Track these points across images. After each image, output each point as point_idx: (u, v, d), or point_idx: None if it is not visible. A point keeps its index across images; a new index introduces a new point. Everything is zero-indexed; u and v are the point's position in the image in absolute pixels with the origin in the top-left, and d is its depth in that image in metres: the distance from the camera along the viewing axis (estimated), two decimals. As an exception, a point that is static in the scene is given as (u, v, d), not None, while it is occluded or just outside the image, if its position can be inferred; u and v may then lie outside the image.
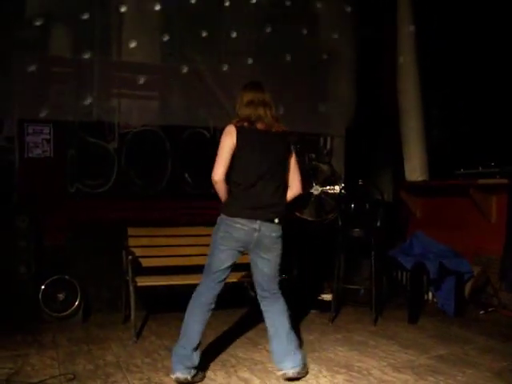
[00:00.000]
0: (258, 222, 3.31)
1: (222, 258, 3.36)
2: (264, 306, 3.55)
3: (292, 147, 3.51)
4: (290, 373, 3.42)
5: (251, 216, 3.30)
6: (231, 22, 5.59)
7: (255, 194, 3.31)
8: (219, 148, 3.32)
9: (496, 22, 5.34)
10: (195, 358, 3.35)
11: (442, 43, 5.85)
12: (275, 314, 3.50)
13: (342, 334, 4.54)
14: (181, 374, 3.30)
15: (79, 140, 5.12)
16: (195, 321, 3.37)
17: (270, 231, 3.36)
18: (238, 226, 3.30)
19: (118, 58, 5.34)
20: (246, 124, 3.32)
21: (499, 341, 4.27)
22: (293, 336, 3.51)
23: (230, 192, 3.38)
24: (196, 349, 3.36)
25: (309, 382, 3.44)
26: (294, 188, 3.53)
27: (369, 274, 4.93)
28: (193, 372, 3.33)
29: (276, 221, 3.36)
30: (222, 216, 3.37)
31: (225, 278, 3.43)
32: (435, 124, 6.20)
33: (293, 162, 3.51)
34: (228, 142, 3.30)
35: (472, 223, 5.42)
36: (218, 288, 3.41)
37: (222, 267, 3.38)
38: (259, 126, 3.34)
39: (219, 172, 3.30)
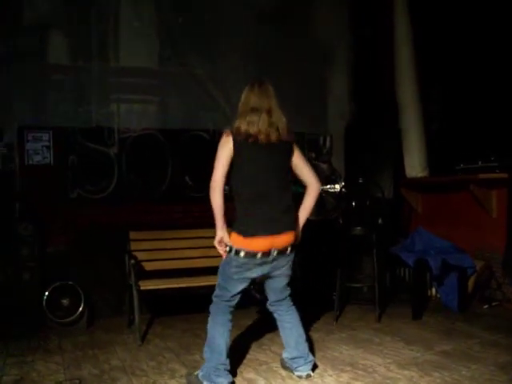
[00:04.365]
0: (274, 249, 3.20)
1: (240, 286, 3.31)
2: (279, 316, 3.53)
3: (294, 145, 3.31)
4: (305, 374, 3.49)
5: (265, 245, 3.17)
6: (228, 25, 5.61)
7: (262, 211, 3.16)
8: (216, 156, 3.18)
9: (491, 17, 5.35)
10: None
11: (440, 37, 5.83)
12: (292, 323, 3.51)
13: (346, 332, 4.55)
14: None
15: (79, 146, 5.13)
16: (223, 342, 3.34)
17: (285, 251, 3.27)
18: (252, 260, 3.19)
19: (116, 63, 5.36)
20: (244, 137, 3.14)
21: (504, 335, 4.26)
22: (305, 339, 3.56)
23: (236, 213, 3.22)
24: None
25: (314, 381, 3.44)
26: (312, 184, 3.37)
27: (371, 272, 4.94)
28: None
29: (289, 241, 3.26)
30: (236, 247, 3.20)
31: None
32: (434, 119, 6.19)
33: (299, 160, 3.33)
34: (225, 153, 3.16)
35: (473, 218, 5.42)
36: (235, 305, 3.39)
37: (239, 290, 3.34)
38: (261, 138, 3.15)
39: (219, 174, 3.15)
